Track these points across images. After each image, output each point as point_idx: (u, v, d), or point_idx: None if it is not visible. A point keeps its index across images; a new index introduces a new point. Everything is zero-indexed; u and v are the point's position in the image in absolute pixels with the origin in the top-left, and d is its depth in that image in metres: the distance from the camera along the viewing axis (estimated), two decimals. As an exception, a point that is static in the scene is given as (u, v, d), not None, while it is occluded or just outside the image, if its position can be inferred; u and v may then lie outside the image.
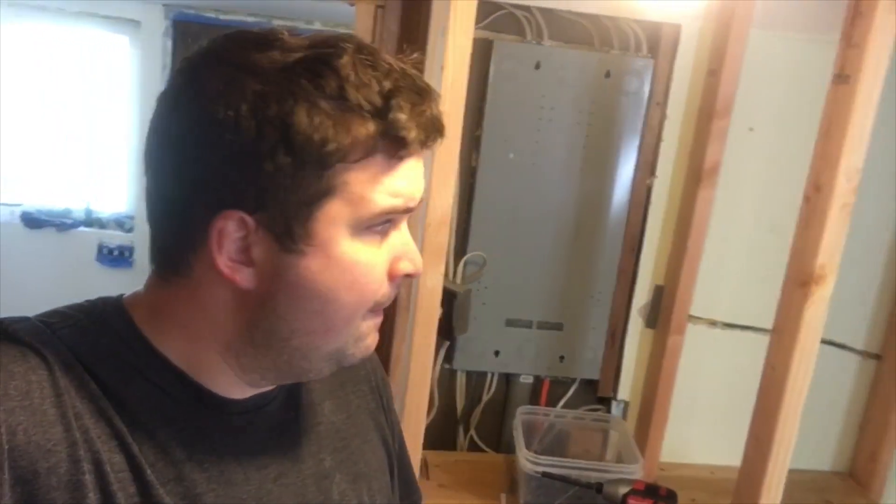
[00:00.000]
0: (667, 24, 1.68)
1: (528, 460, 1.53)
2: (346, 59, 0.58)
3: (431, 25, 1.47)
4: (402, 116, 0.58)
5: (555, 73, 1.67)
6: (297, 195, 0.58)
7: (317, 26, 3.84)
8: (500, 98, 1.67)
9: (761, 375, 1.28)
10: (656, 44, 1.71)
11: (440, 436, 1.83)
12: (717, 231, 1.72)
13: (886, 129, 1.63)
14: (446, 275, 1.71)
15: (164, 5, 3.90)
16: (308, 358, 0.65)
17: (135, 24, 3.99)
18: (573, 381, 1.86)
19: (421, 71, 0.64)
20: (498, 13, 1.65)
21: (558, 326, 1.80)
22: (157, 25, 3.94)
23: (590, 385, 1.87)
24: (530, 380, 1.85)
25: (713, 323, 1.82)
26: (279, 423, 0.71)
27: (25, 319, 0.61)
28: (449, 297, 1.64)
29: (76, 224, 4.16)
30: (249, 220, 0.59)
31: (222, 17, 3.93)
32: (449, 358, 1.79)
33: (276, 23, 3.85)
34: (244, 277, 0.61)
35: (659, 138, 1.73)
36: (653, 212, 1.76)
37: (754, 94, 1.68)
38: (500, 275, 1.75)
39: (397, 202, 0.62)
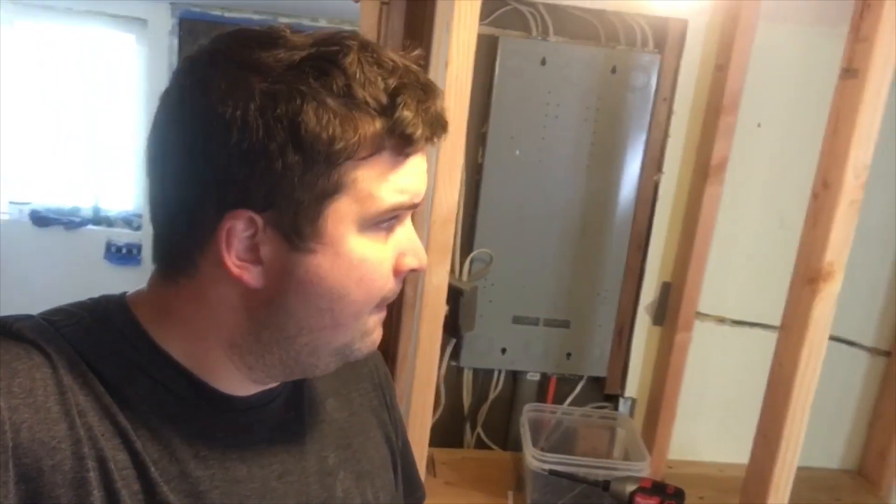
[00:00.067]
0: (673, 19, 1.67)
1: (535, 458, 1.52)
2: (352, 57, 0.58)
3: (436, 22, 1.46)
4: (409, 114, 0.59)
5: (561, 70, 1.67)
6: (306, 193, 0.58)
7: (322, 23, 3.85)
8: (505, 95, 1.67)
9: (769, 373, 1.27)
10: (663, 39, 1.70)
11: (447, 433, 1.83)
12: (725, 228, 1.71)
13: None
14: (452, 272, 1.71)
15: (170, 3, 3.92)
16: (316, 354, 0.66)
17: (141, 22, 4.01)
18: (580, 378, 1.86)
19: (423, 67, 0.64)
20: (503, 9, 1.65)
21: (565, 324, 1.80)
22: (164, 24, 3.96)
23: (597, 382, 1.87)
24: (537, 377, 1.84)
25: (721, 320, 1.81)
26: (283, 420, 0.71)
27: (29, 317, 0.61)
28: (455, 295, 1.64)
29: (84, 222, 4.18)
30: (258, 219, 0.59)
31: (228, 14, 3.94)
32: (455, 355, 1.79)
33: (282, 20, 3.86)
34: (252, 276, 0.61)
35: (666, 134, 1.72)
36: (660, 208, 1.75)
37: (762, 90, 1.66)
38: (506, 272, 1.75)
39: (403, 198, 0.62)
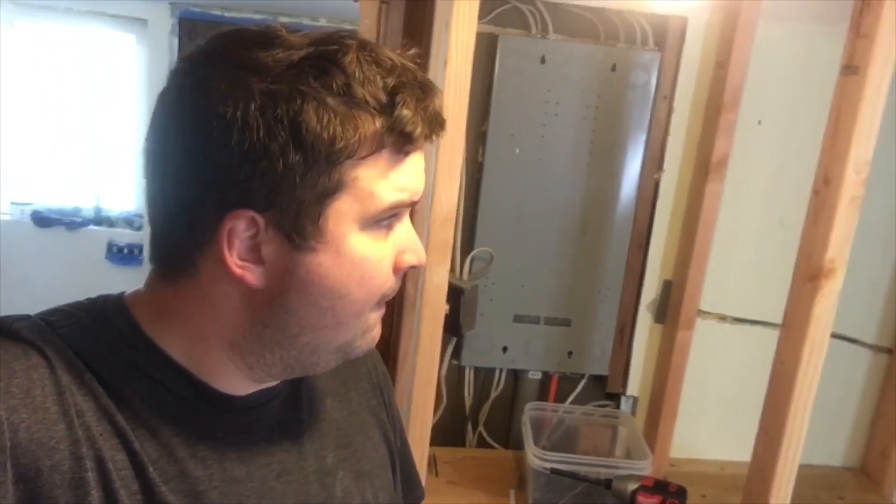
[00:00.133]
0: (673, 17, 1.67)
1: (536, 457, 1.52)
2: (351, 57, 0.58)
3: (435, 21, 1.46)
4: (408, 112, 0.59)
5: (560, 68, 1.66)
6: (307, 193, 0.58)
7: (322, 22, 3.85)
8: (505, 93, 1.66)
9: (771, 370, 1.27)
10: (663, 36, 1.69)
11: (449, 432, 1.83)
12: (726, 225, 1.71)
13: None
14: (453, 271, 1.71)
15: (170, 3, 3.92)
16: (317, 353, 0.66)
17: (141, 22, 4.01)
18: (582, 376, 1.85)
19: (422, 66, 0.64)
20: (502, 7, 1.65)
21: (566, 322, 1.80)
22: (164, 23, 3.96)
23: (598, 381, 1.87)
24: (539, 376, 1.84)
25: (722, 318, 1.81)
26: (281, 420, 0.71)
27: (27, 317, 0.61)
28: (456, 294, 1.64)
29: (86, 222, 4.18)
30: (259, 219, 0.59)
31: (228, 14, 3.94)
32: (457, 354, 1.79)
33: (282, 19, 3.86)
34: (254, 276, 0.61)
35: (666, 132, 1.72)
36: (660, 206, 1.75)
37: (762, 87, 1.66)
38: (507, 270, 1.75)
39: (403, 196, 0.63)
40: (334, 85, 0.57)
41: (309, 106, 0.56)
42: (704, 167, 1.65)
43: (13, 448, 0.54)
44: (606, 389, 1.86)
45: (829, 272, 1.16)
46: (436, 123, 0.63)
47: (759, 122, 1.70)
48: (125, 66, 4.12)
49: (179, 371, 0.64)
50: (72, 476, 0.56)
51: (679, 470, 1.79)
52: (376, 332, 0.70)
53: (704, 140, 1.68)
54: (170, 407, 0.63)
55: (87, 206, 4.22)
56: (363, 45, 0.60)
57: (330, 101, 0.57)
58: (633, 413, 1.85)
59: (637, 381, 1.84)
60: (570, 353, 1.81)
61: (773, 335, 1.29)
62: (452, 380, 1.82)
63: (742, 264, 1.78)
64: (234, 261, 0.60)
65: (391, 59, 0.60)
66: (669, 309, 1.76)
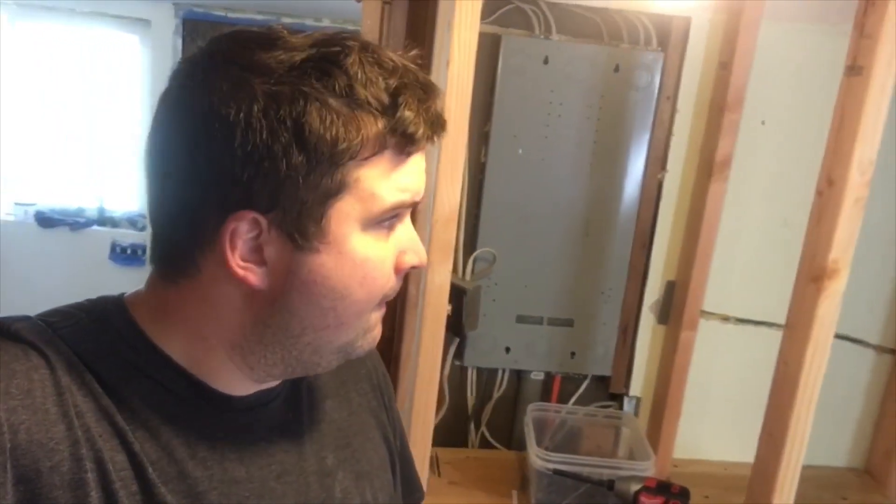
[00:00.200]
0: (676, 17, 1.66)
1: (539, 457, 1.52)
2: (353, 58, 0.58)
3: (438, 21, 1.46)
4: (410, 113, 0.60)
5: (563, 68, 1.66)
6: (310, 194, 0.58)
7: (325, 23, 3.86)
8: (508, 93, 1.66)
9: (774, 371, 1.27)
10: (666, 37, 1.69)
11: (451, 433, 1.83)
12: (729, 226, 1.70)
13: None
14: (456, 271, 1.71)
15: (173, 4, 3.92)
16: (319, 353, 0.66)
17: (145, 23, 4.02)
18: (585, 377, 1.85)
19: (425, 67, 0.64)
20: (506, 8, 1.64)
21: (569, 322, 1.79)
22: (167, 24, 3.96)
23: (601, 381, 1.86)
24: (541, 376, 1.84)
25: (726, 318, 1.81)
26: (281, 421, 0.71)
27: (27, 318, 0.61)
28: (458, 294, 1.64)
29: (89, 223, 4.19)
30: (262, 219, 0.59)
31: (231, 15, 3.94)
32: (459, 355, 1.79)
33: (285, 20, 3.87)
34: (256, 277, 0.61)
35: (669, 132, 1.71)
36: (664, 207, 1.74)
37: (766, 87, 1.66)
38: (510, 271, 1.75)
39: (405, 196, 0.63)
40: (337, 86, 0.58)
41: (312, 107, 0.57)
42: (708, 167, 1.65)
43: (13, 449, 0.54)
44: (609, 390, 1.86)
45: (832, 273, 1.16)
46: (437, 124, 0.63)
47: (763, 123, 1.70)
48: (128, 67, 4.13)
49: (179, 371, 0.64)
50: (71, 477, 0.56)
51: (682, 471, 1.79)
52: (377, 332, 0.70)
53: (708, 140, 1.67)
54: (170, 407, 0.63)
55: (90, 206, 4.23)
56: (365, 47, 0.60)
57: (332, 102, 0.57)
58: (636, 414, 1.85)
59: (640, 382, 1.83)
60: (572, 354, 1.81)
61: (776, 336, 1.28)
62: (455, 380, 1.82)
63: (745, 265, 1.77)
64: (237, 261, 0.60)
65: (393, 61, 0.61)
66: (672, 309, 1.76)
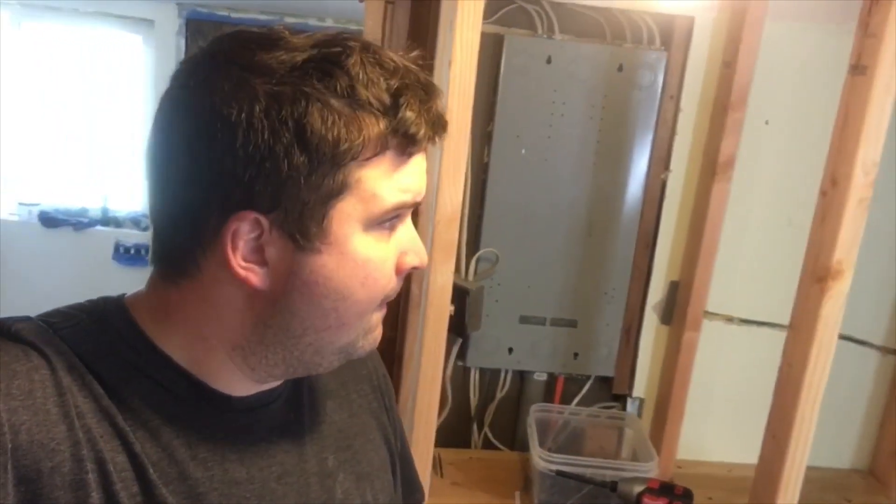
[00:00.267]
0: (680, 16, 1.66)
1: (542, 458, 1.52)
2: (354, 59, 0.58)
3: (440, 21, 1.46)
4: (411, 114, 0.60)
5: (566, 68, 1.66)
6: (311, 194, 0.58)
7: (329, 23, 3.86)
8: (511, 93, 1.66)
9: (778, 372, 1.26)
10: (669, 36, 1.69)
11: (454, 433, 1.83)
12: (733, 226, 1.70)
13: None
14: (458, 272, 1.71)
15: (177, 4, 3.93)
16: (320, 353, 0.66)
17: (148, 23, 4.03)
18: (588, 378, 1.85)
19: (427, 67, 0.65)
20: (508, 7, 1.64)
21: (572, 323, 1.79)
22: (171, 24, 3.97)
23: (604, 382, 1.86)
24: (544, 377, 1.84)
25: (729, 319, 1.80)
26: (282, 422, 0.71)
27: (27, 319, 0.61)
28: (461, 294, 1.64)
29: (93, 223, 4.20)
30: (264, 220, 0.59)
31: (235, 15, 3.95)
32: (462, 355, 1.78)
33: (289, 20, 3.87)
34: (258, 278, 0.61)
35: (673, 132, 1.71)
36: (667, 207, 1.74)
37: (770, 86, 1.65)
38: (513, 271, 1.74)
39: (406, 197, 0.63)
40: (338, 87, 0.58)
41: (313, 108, 0.57)
42: (711, 167, 1.64)
43: (14, 450, 0.54)
44: (612, 391, 1.86)
45: (836, 273, 1.16)
46: (439, 125, 0.63)
47: (767, 122, 1.69)
48: (132, 67, 4.14)
49: (180, 372, 0.64)
50: (72, 478, 0.56)
51: (685, 472, 1.78)
52: (378, 333, 0.70)
53: (711, 140, 1.67)
54: (170, 408, 0.63)
55: (94, 206, 4.24)
56: (366, 47, 0.60)
57: (334, 102, 0.57)
58: (640, 415, 1.85)
59: (643, 383, 1.83)
60: (575, 355, 1.81)
61: (780, 336, 1.28)
62: (458, 381, 1.81)
63: (749, 265, 1.77)
64: (238, 262, 0.60)
65: (394, 61, 0.61)
66: (676, 310, 1.76)
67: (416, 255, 0.68)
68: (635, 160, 1.71)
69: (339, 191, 0.59)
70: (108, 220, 4.23)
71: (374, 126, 0.59)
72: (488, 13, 1.61)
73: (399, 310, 1.64)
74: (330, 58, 0.58)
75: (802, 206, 1.31)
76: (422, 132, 0.61)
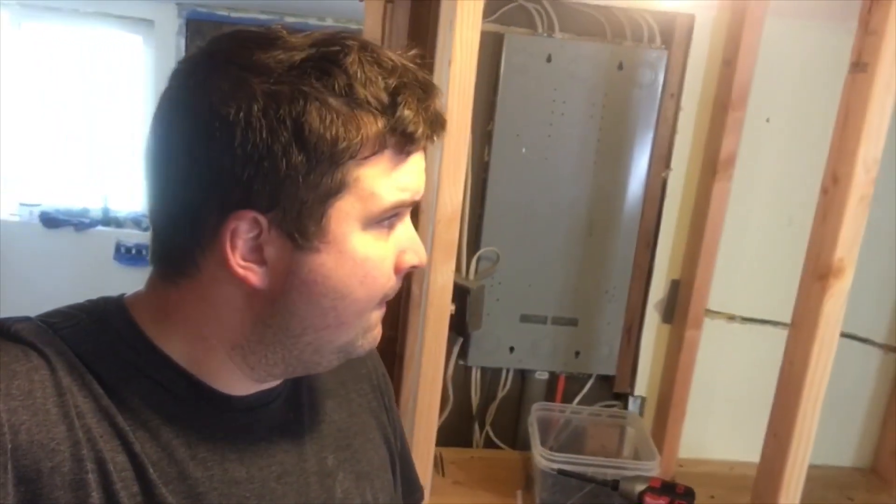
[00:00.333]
0: (680, 14, 1.66)
1: (543, 457, 1.52)
2: (352, 57, 0.58)
3: (440, 20, 1.45)
4: (409, 112, 0.60)
5: (567, 66, 1.66)
6: (310, 193, 0.58)
7: (329, 22, 3.86)
8: (511, 92, 1.66)
9: (780, 370, 1.26)
10: (670, 34, 1.68)
11: (456, 433, 1.83)
12: (734, 224, 1.70)
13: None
14: (459, 271, 1.71)
15: (177, 4, 3.93)
16: (319, 352, 0.66)
17: (148, 23, 4.03)
18: (589, 377, 1.85)
19: (426, 66, 0.65)
20: (508, 6, 1.64)
21: (573, 322, 1.79)
22: (171, 24, 3.97)
23: (606, 381, 1.86)
24: (546, 376, 1.84)
25: (731, 317, 1.80)
26: (282, 421, 0.71)
27: (27, 319, 0.61)
28: (462, 294, 1.63)
29: (94, 223, 4.20)
30: (262, 219, 0.59)
31: (234, 15, 3.95)
32: (463, 354, 1.78)
33: (289, 20, 3.87)
34: (257, 277, 0.61)
35: (673, 130, 1.71)
36: (668, 205, 1.74)
37: (770, 84, 1.65)
38: (513, 270, 1.74)
39: (405, 196, 0.63)
40: (336, 86, 0.58)
41: (311, 106, 0.57)
42: (712, 165, 1.64)
43: (14, 450, 0.54)
44: (614, 389, 1.86)
45: (838, 271, 1.15)
46: (437, 124, 0.63)
47: (767, 120, 1.69)
48: (132, 67, 4.14)
49: (180, 372, 0.64)
50: (72, 478, 0.56)
51: (687, 470, 1.78)
52: (377, 332, 0.70)
53: (712, 138, 1.67)
54: (170, 408, 0.63)
55: (94, 206, 4.24)
56: (364, 46, 0.60)
57: (332, 101, 0.57)
58: (641, 413, 1.85)
59: (645, 382, 1.83)
60: (577, 353, 1.80)
61: (781, 335, 1.28)
62: (459, 380, 1.81)
63: (750, 263, 1.77)
64: (237, 261, 0.60)
65: (392, 60, 0.61)
66: (677, 308, 1.75)
67: (416, 253, 0.68)
68: (636, 159, 1.71)
69: (337, 190, 0.59)
70: (108, 221, 4.23)
71: (373, 125, 0.59)
72: (488, 12, 1.61)
73: (400, 309, 1.64)
74: (328, 57, 0.58)
75: (803, 203, 1.31)
76: (420, 131, 0.61)
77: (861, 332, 1.82)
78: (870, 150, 1.11)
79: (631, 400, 1.85)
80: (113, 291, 0.67)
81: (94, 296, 0.67)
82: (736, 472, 1.80)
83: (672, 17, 1.67)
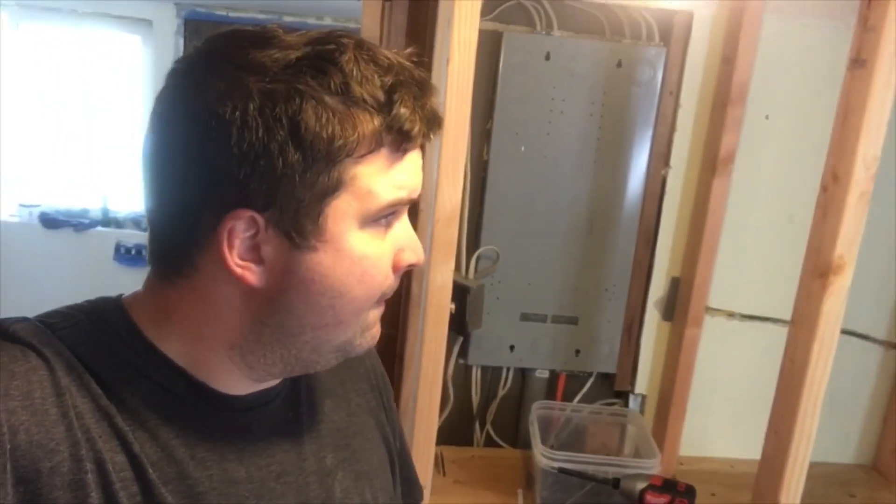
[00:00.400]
0: (679, 12, 1.66)
1: (544, 456, 1.51)
2: (348, 56, 0.59)
3: (438, 19, 1.45)
4: (406, 110, 0.60)
5: (565, 64, 1.65)
6: (306, 192, 0.58)
7: (327, 22, 3.86)
8: (510, 90, 1.66)
9: (780, 367, 1.26)
10: (668, 32, 1.68)
11: (456, 431, 1.82)
12: (734, 221, 1.70)
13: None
14: (459, 270, 1.70)
15: (175, 4, 3.93)
16: (318, 351, 0.66)
17: (147, 23, 4.03)
18: (589, 375, 1.85)
19: (423, 64, 0.65)
20: (507, 4, 1.64)
21: (573, 320, 1.79)
22: (169, 24, 3.97)
23: (606, 379, 1.86)
24: (546, 374, 1.83)
25: (731, 315, 1.80)
26: (281, 421, 0.71)
27: (25, 320, 0.61)
28: (462, 293, 1.63)
29: (93, 224, 4.20)
30: (259, 218, 0.59)
31: (233, 14, 3.95)
32: (464, 353, 1.78)
33: (287, 19, 3.87)
34: (254, 276, 0.61)
35: (673, 128, 1.71)
36: (667, 203, 1.74)
37: (769, 81, 1.65)
38: (513, 269, 1.74)
39: (402, 194, 0.63)
40: (332, 84, 0.58)
41: (307, 105, 0.57)
42: (711, 163, 1.64)
43: (13, 450, 0.54)
44: (614, 388, 1.85)
45: (838, 268, 1.15)
46: (433, 121, 0.63)
47: (767, 118, 1.69)
48: (131, 67, 4.14)
49: (178, 372, 0.64)
50: (71, 478, 0.56)
51: (688, 468, 1.78)
52: (376, 331, 0.70)
53: (711, 136, 1.67)
54: (169, 408, 0.63)
55: (94, 207, 4.24)
56: (360, 45, 0.60)
57: (328, 100, 0.57)
58: (642, 411, 1.84)
59: (645, 379, 1.83)
60: (577, 352, 1.80)
61: (782, 332, 1.28)
62: (459, 379, 1.81)
63: (751, 261, 1.77)
64: (235, 260, 0.60)
65: (388, 58, 0.61)
66: (677, 306, 1.75)
67: (413, 252, 0.68)
68: (635, 157, 1.71)
69: (334, 188, 0.59)
70: (108, 221, 4.23)
71: (369, 123, 0.59)
72: (486, 10, 1.61)
73: (399, 308, 1.64)
74: (324, 55, 0.58)
75: (803, 201, 1.31)
76: (416, 129, 0.61)
77: (861, 328, 1.82)
78: (869, 146, 1.11)
79: (631, 398, 1.85)
80: (113, 292, 0.68)
81: (94, 296, 0.67)
82: (737, 470, 1.80)
83: (670, 15, 1.67)
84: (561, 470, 1.49)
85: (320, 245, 0.61)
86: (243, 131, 0.56)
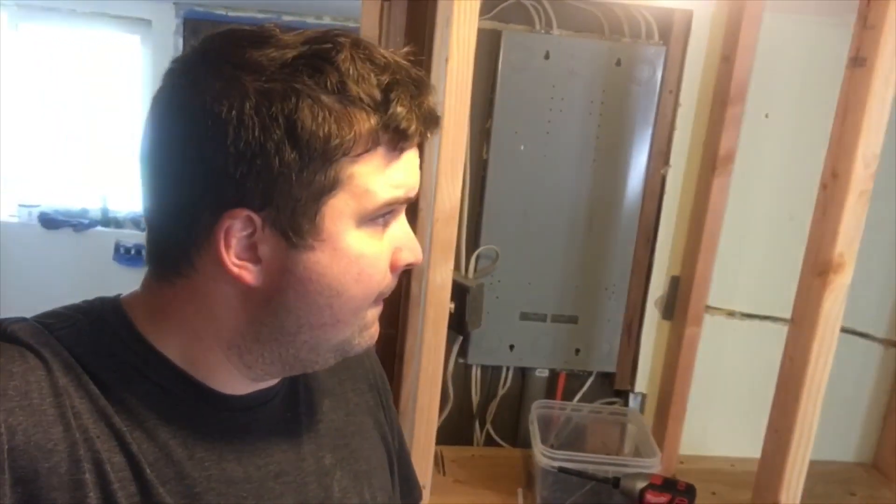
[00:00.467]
0: (678, 10, 1.66)
1: (544, 455, 1.51)
2: (345, 55, 0.58)
3: (437, 18, 1.45)
4: (402, 109, 0.60)
5: (565, 63, 1.65)
6: (303, 191, 0.58)
7: (326, 21, 3.86)
8: (509, 89, 1.65)
9: (780, 366, 1.26)
10: (668, 30, 1.68)
11: (456, 431, 1.82)
12: (734, 220, 1.69)
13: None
14: (458, 269, 1.70)
15: (174, 4, 3.93)
16: (316, 350, 0.66)
17: (146, 23, 4.03)
18: (589, 374, 1.84)
19: (422, 64, 0.64)
20: (506, 3, 1.64)
21: (573, 319, 1.79)
22: (168, 24, 3.97)
23: (606, 378, 1.86)
24: (546, 373, 1.83)
25: (731, 313, 1.80)
26: (279, 421, 0.71)
27: (23, 320, 0.61)
28: (461, 292, 1.63)
29: (93, 224, 4.20)
30: (256, 217, 0.59)
31: (232, 14, 3.94)
32: (463, 352, 1.78)
33: (286, 19, 3.87)
34: (251, 275, 0.61)
35: (672, 127, 1.70)
36: (667, 202, 1.73)
37: (769, 80, 1.65)
38: (513, 268, 1.74)
39: (399, 193, 0.63)
40: (329, 83, 0.58)
41: (304, 104, 0.57)
42: (711, 162, 1.64)
43: (11, 451, 0.54)
44: (614, 387, 1.85)
45: (838, 267, 1.15)
46: (430, 120, 0.63)
47: (766, 116, 1.69)
48: (130, 67, 4.14)
49: (177, 372, 0.64)
50: (70, 478, 0.56)
51: (688, 467, 1.78)
52: (374, 330, 0.70)
53: (711, 134, 1.66)
54: (167, 408, 0.62)
55: (93, 207, 4.24)
56: (356, 44, 0.60)
57: (325, 98, 0.57)
58: (642, 410, 1.84)
59: (645, 378, 1.83)
60: (577, 351, 1.80)
61: (782, 330, 1.28)
62: (459, 378, 1.81)
63: (750, 259, 1.76)
64: (232, 260, 0.60)
65: (385, 57, 0.61)
66: (677, 305, 1.75)
67: (411, 251, 0.67)
68: (635, 155, 1.71)
69: (330, 187, 0.59)
70: (108, 221, 4.23)
71: (365, 122, 0.59)
72: (485, 9, 1.60)
73: (399, 308, 1.64)
74: (320, 54, 0.58)
75: (803, 199, 1.30)
76: (413, 127, 0.61)
77: (861, 327, 1.81)
78: (869, 144, 1.11)
79: (631, 397, 1.85)
80: (112, 292, 0.67)
81: (93, 296, 0.67)
82: (737, 469, 1.80)
83: (670, 13, 1.67)
84: (561, 469, 1.49)
85: (317, 244, 0.60)
86: (240, 130, 0.56)
